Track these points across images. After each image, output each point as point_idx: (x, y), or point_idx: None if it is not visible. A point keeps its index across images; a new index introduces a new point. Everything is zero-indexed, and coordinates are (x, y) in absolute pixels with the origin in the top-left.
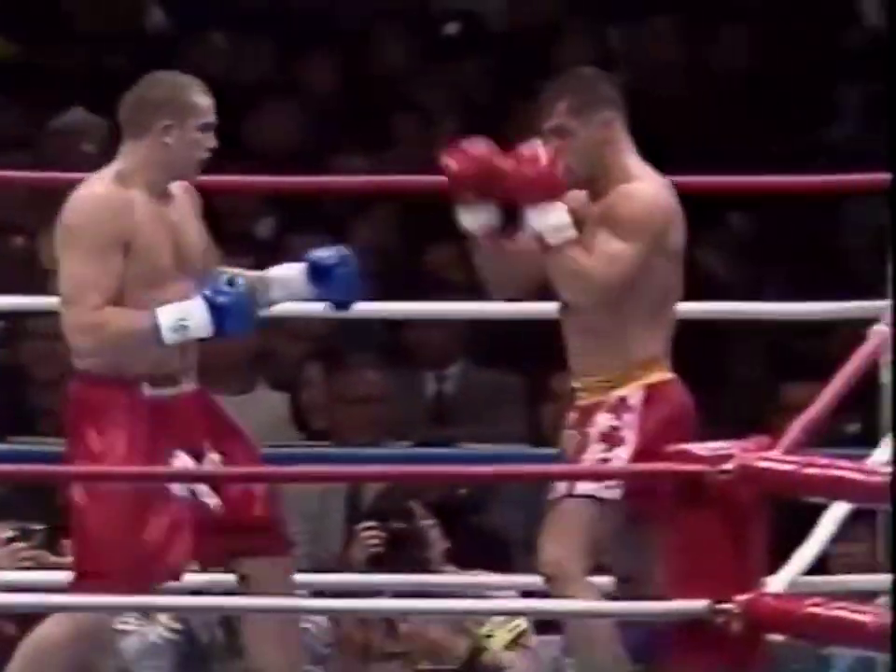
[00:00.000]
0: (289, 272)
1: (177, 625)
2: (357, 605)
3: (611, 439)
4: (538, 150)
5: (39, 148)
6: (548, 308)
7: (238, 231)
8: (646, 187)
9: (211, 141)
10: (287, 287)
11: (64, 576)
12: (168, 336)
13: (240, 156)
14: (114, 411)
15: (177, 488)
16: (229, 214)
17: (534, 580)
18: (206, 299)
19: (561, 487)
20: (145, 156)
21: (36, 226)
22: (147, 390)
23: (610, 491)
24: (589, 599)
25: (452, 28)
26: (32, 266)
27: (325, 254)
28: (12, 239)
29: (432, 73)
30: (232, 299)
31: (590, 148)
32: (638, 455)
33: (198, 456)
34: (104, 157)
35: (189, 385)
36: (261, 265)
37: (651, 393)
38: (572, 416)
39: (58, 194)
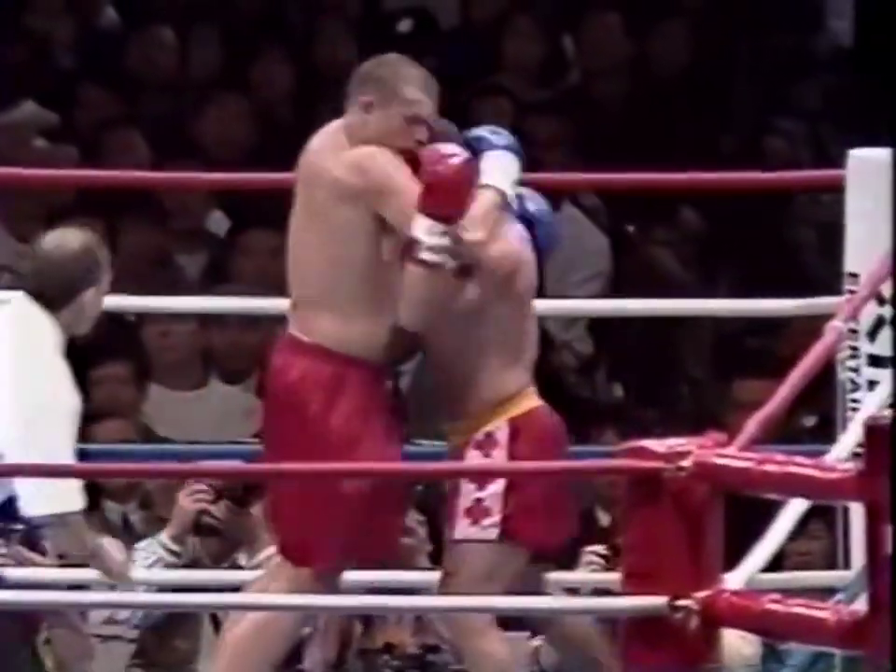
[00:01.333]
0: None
1: None
2: (354, 602)
3: (481, 476)
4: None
5: None
6: None
7: (189, 227)
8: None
9: (420, 134)
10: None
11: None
12: None
13: (189, 152)
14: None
15: None
16: (180, 210)
17: None
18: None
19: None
20: (347, 122)
21: None
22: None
23: (485, 531)
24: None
25: (404, 25)
26: None
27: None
28: None
29: None
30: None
31: None
32: (511, 489)
33: None
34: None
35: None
36: (215, 261)
37: (517, 425)
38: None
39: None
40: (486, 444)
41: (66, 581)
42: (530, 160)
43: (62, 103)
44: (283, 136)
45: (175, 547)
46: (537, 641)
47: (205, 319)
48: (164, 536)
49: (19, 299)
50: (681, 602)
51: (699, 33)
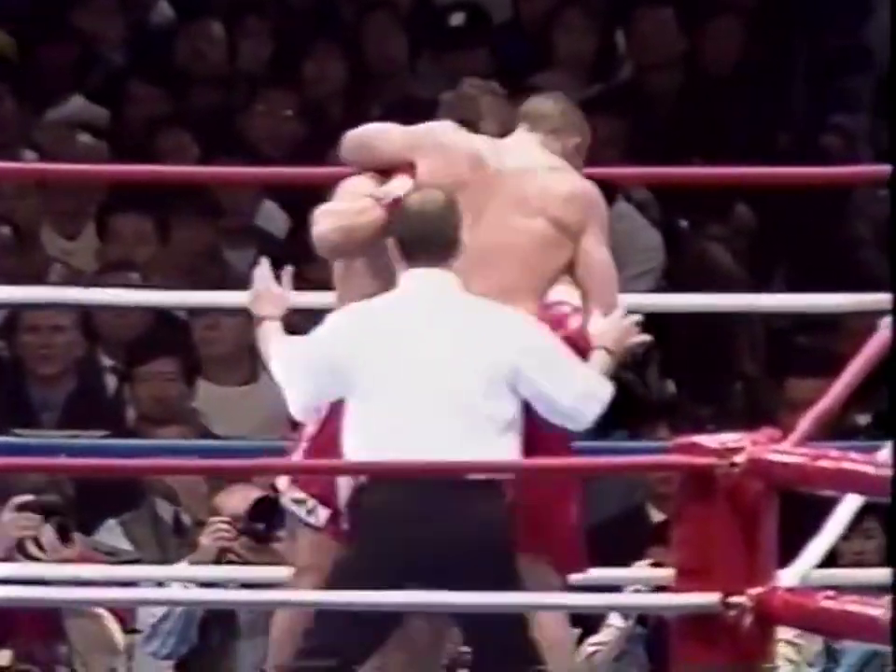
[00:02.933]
0: None
1: None
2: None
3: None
4: None
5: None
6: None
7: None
8: None
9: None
10: None
11: None
12: None
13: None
14: None
15: None
16: (230, 206)
17: None
18: None
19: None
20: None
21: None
22: None
23: (314, 516)
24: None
25: (457, 19)
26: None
27: None
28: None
29: (435, 64)
30: None
31: None
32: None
33: None
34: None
35: None
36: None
37: None
38: None
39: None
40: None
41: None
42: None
43: (111, 100)
44: (332, 132)
45: None
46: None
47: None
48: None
49: None
50: (735, 599)
51: (752, 27)
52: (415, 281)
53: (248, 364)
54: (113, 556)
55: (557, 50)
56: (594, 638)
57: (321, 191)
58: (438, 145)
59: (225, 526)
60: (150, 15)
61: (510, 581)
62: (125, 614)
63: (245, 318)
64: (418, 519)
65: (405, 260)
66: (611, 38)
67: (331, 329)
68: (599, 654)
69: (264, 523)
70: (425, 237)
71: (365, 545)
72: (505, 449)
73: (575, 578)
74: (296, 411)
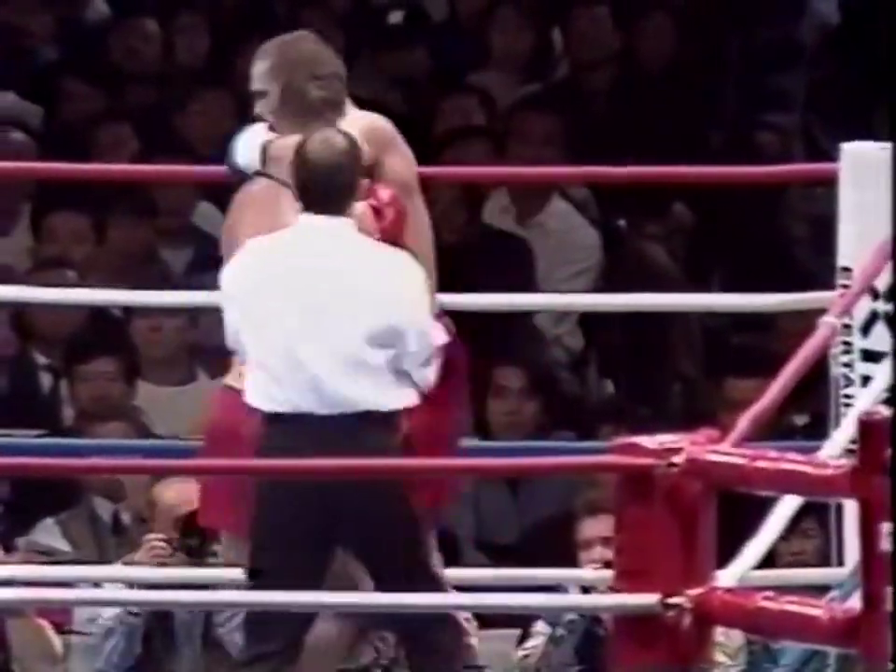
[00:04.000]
0: None
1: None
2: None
3: None
4: None
5: None
6: (485, 301)
7: (176, 223)
8: None
9: (256, 107)
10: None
11: None
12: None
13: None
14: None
15: None
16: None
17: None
18: None
19: None
20: None
21: None
22: None
23: None
24: None
25: (395, 17)
26: None
27: None
28: None
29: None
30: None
31: None
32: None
33: None
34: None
35: None
36: (201, 254)
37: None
38: None
39: None
40: None
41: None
42: (519, 154)
43: (44, 97)
44: None
45: None
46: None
47: (191, 313)
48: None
49: None
50: (673, 600)
51: (686, 24)
52: (309, 225)
53: (186, 364)
54: (49, 556)
55: (494, 49)
56: (525, 644)
57: None
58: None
59: (160, 544)
60: (85, 12)
61: (403, 515)
62: (63, 616)
63: (185, 319)
64: (317, 454)
65: (302, 206)
66: (548, 36)
67: (235, 266)
68: (529, 659)
69: (197, 537)
70: (320, 184)
71: (273, 489)
72: (394, 394)
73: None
74: (227, 340)
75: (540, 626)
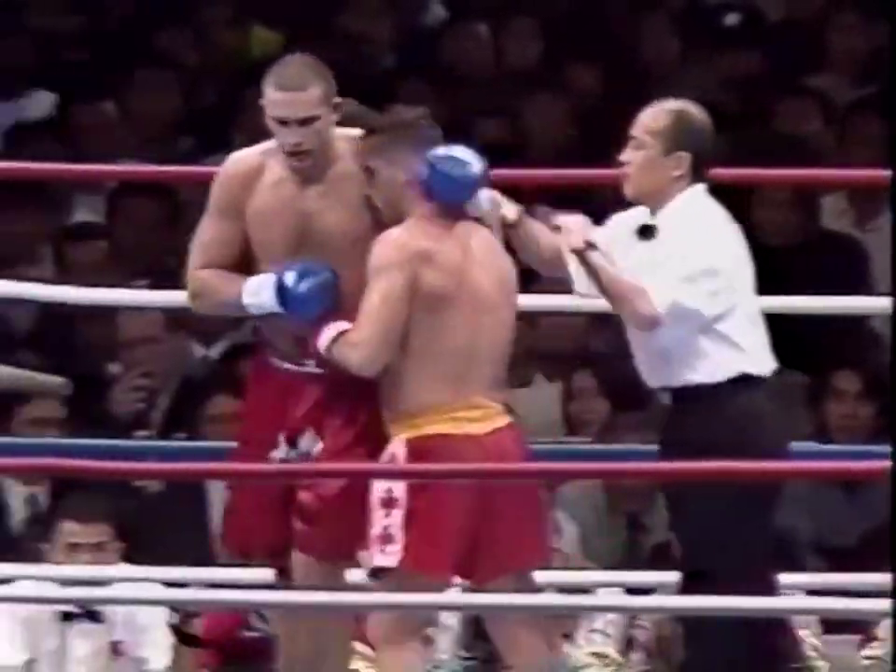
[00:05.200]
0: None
1: None
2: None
3: (388, 503)
4: None
5: None
6: (826, 303)
7: None
8: (397, 231)
9: (288, 136)
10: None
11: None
12: (247, 303)
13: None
14: (254, 378)
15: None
16: None
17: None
18: (277, 277)
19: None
20: None
21: None
22: (275, 361)
23: (388, 558)
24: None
25: (731, 19)
26: None
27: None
28: None
29: (709, 63)
30: (296, 284)
31: (390, 189)
32: (413, 515)
33: (295, 438)
34: None
35: (315, 369)
36: None
37: (414, 447)
38: None
39: None
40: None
41: None
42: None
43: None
44: (599, 134)
45: None
46: None
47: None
48: None
49: None
50: None
51: None
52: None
53: (524, 367)
54: None
55: (830, 50)
56: (867, 649)
57: (590, 193)
58: None
59: None
60: (423, 16)
61: None
62: None
63: (523, 321)
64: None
65: (694, 173)
66: (885, 38)
67: (702, 236)
68: (872, 667)
69: None
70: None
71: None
72: None
73: None
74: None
75: (883, 632)
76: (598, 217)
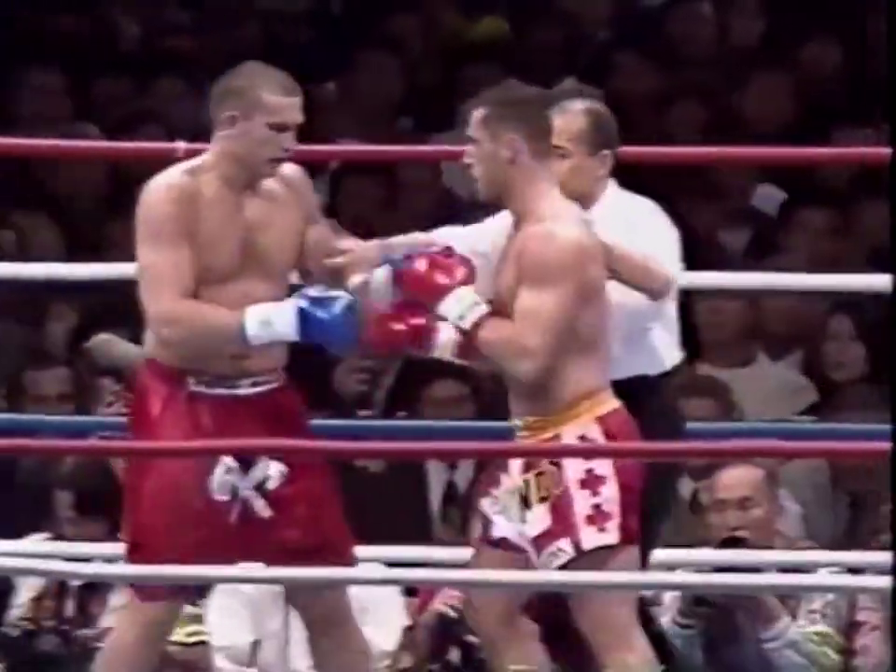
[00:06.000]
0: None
1: None
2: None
3: (592, 482)
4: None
5: None
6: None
7: (735, 206)
8: (555, 227)
9: (287, 141)
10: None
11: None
12: (253, 334)
13: (733, 127)
14: (168, 403)
15: (217, 490)
16: (724, 186)
17: None
18: (299, 306)
19: (566, 549)
20: (219, 146)
21: None
22: (201, 388)
23: (611, 535)
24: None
25: None
26: None
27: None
28: None
29: None
30: (326, 312)
31: (492, 163)
32: (622, 490)
33: (247, 463)
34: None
35: (251, 389)
36: (759, 236)
37: (608, 424)
38: (514, 463)
39: None
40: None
41: None
42: None
43: (600, 78)
44: (822, 113)
45: None
46: None
47: (752, 296)
48: None
49: None
50: None
51: None
52: None
53: (746, 346)
54: None
55: None
56: None
57: (815, 171)
58: None
59: None
60: None
61: None
62: None
63: (745, 301)
64: None
65: None
66: None
67: None
68: None
69: None
70: None
71: None
72: None
73: None
74: None
75: None
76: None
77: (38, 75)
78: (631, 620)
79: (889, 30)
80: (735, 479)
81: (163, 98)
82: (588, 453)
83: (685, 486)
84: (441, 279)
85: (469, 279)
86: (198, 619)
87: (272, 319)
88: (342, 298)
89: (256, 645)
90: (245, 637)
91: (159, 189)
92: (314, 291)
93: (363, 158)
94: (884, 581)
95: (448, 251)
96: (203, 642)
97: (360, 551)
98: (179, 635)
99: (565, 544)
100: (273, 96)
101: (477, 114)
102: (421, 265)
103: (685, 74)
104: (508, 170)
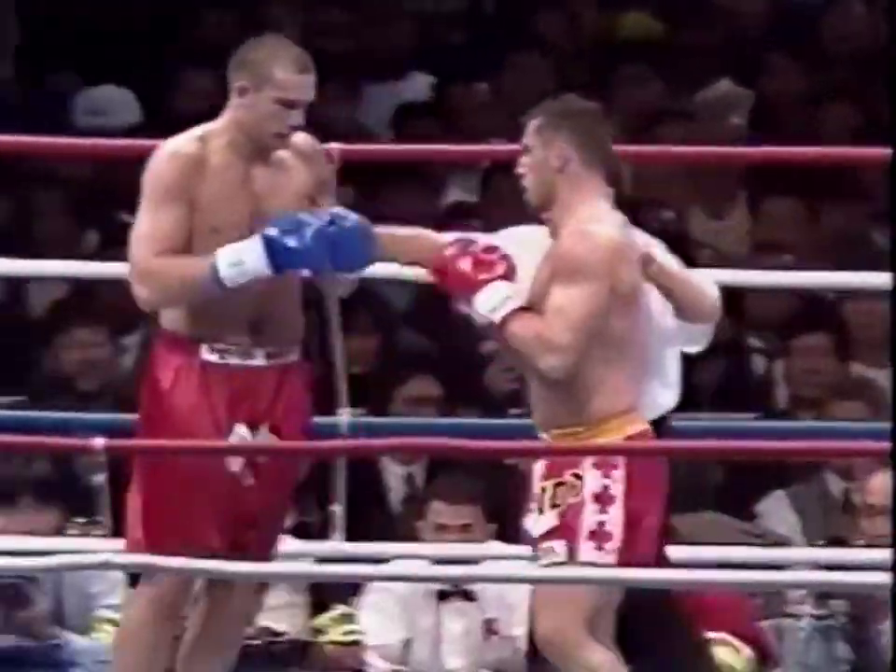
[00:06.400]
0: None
1: None
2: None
3: (604, 499)
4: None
5: (689, 122)
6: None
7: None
8: (590, 226)
9: (294, 118)
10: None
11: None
12: (226, 274)
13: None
14: (180, 374)
15: (233, 463)
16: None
17: None
18: (263, 237)
19: (559, 552)
20: (230, 115)
21: (684, 199)
22: (214, 357)
23: (608, 556)
24: (600, 661)
25: None
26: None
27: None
28: (661, 213)
29: None
30: (296, 240)
31: (542, 171)
32: (629, 514)
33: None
34: (751, 129)
35: (265, 360)
36: None
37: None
38: (537, 468)
39: (707, 167)
40: (605, 464)
41: None
42: None
43: (752, 78)
44: None
45: None
46: None
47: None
48: None
49: None
50: None
51: None
52: None
53: None
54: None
55: None
56: None
57: None
58: None
59: None
60: None
61: None
62: None
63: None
64: None
65: None
66: None
67: None
68: None
69: None
70: None
71: None
72: None
73: None
74: None
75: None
76: None
77: (190, 76)
78: (584, 632)
79: (890, 29)
80: (886, 485)
81: (318, 99)
82: (614, 452)
83: (835, 485)
84: (481, 274)
85: (508, 275)
86: (351, 618)
87: (242, 258)
88: (312, 223)
89: (408, 643)
90: (397, 634)
91: (163, 156)
92: (284, 221)
93: (514, 157)
94: None
95: (491, 248)
96: (357, 642)
97: (510, 549)
98: (335, 634)
99: (559, 546)
100: (284, 73)
101: (532, 123)
102: (463, 260)
103: (836, 74)
104: (556, 178)
